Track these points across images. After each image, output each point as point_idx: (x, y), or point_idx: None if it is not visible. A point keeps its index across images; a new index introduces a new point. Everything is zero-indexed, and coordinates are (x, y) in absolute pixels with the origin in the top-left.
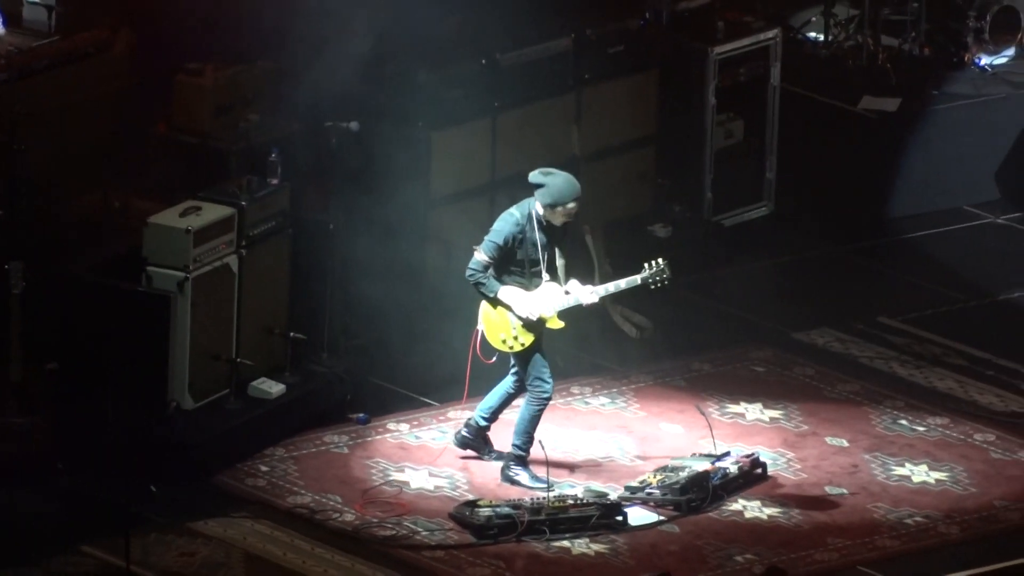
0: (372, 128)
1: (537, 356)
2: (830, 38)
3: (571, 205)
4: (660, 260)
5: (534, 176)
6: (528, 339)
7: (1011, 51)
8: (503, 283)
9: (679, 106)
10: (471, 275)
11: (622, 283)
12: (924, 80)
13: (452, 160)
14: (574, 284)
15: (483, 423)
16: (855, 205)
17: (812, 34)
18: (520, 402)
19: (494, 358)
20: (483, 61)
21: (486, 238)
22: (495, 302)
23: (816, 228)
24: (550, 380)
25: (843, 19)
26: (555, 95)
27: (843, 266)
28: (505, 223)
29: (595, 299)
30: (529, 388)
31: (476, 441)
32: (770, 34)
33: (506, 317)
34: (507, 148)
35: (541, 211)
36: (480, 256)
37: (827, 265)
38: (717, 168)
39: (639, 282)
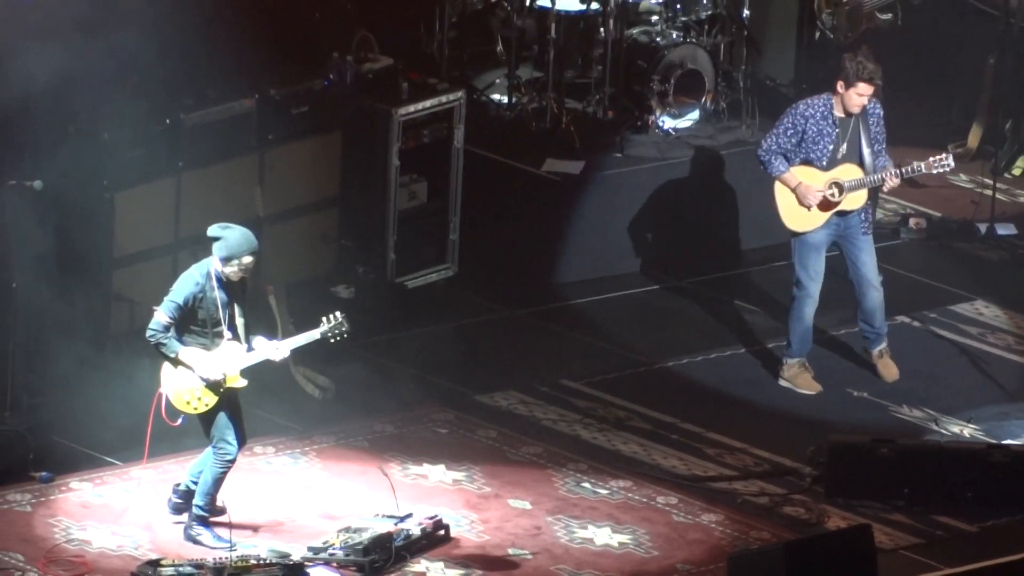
0: (56, 187)
1: (222, 416)
2: (514, 100)
3: (247, 260)
4: (338, 314)
5: (212, 230)
6: (212, 399)
7: (695, 114)
8: (184, 343)
9: (362, 167)
10: (152, 336)
11: (301, 338)
12: (608, 143)
13: (135, 219)
14: (260, 341)
15: (193, 487)
16: (538, 267)
17: (496, 96)
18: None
19: (180, 420)
20: (167, 120)
21: (166, 299)
22: (176, 362)
23: (499, 290)
24: (234, 442)
25: (526, 81)
26: (239, 155)
27: (527, 328)
28: (185, 283)
29: (284, 354)
30: (213, 449)
31: (188, 504)
32: (454, 96)
33: (188, 378)
34: (191, 208)
35: (219, 267)
36: (160, 317)
37: (510, 327)
38: (400, 230)
39: (318, 336)
